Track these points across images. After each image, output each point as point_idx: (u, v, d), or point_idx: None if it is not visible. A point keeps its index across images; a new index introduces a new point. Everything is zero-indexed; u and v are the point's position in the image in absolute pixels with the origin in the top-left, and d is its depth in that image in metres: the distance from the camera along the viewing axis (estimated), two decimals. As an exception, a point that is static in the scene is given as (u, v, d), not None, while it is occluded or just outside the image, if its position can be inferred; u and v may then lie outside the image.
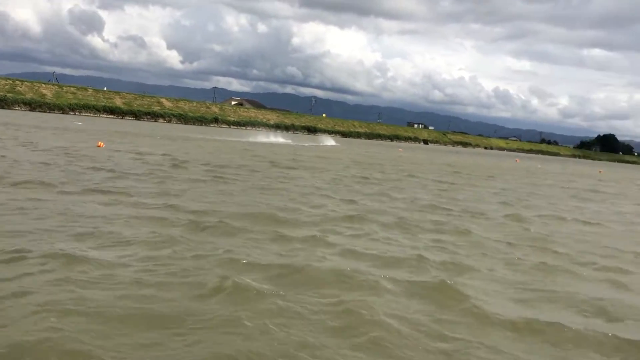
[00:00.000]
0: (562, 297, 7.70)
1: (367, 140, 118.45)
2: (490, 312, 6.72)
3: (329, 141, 70.63)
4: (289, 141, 60.94)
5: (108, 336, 5.24)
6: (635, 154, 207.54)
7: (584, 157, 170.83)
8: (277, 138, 62.24)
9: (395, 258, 8.97)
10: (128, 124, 72.63)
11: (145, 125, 74.37)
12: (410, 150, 78.66)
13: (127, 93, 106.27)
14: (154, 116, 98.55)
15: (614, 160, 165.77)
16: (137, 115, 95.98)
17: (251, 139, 55.00)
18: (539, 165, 68.78)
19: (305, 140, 68.31)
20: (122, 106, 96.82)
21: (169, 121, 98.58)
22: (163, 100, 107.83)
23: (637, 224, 16.92)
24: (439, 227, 12.48)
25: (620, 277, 9.32)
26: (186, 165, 21.12)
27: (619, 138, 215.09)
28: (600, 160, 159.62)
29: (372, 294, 7.06)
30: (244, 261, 7.92)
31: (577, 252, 10.96)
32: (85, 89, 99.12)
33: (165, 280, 6.83)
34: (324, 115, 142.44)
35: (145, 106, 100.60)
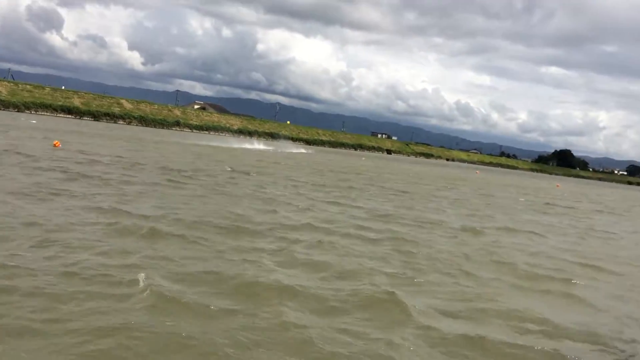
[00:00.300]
0: (506, 311, 7.59)
1: (332, 149, 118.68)
2: (434, 326, 6.55)
3: (298, 149, 72.04)
4: (270, 148, 62.64)
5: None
6: (590, 169, 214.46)
7: (542, 171, 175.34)
8: (260, 145, 64.49)
9: (346, 270, 8.71)
10: (86, 124, 70.66)
11: (104, 126, 72.48)
12: (374, 160, 79.10)
13: (85, 93, 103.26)
14: (114, 117, 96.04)
15: (570, 175, 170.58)
16: (95, 115, 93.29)
17: (215, 143, 54.20)
18: (499, 177, 70.16)
19: (279, 147, 67.96)
20: (81, 106, 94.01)
21: (129, 123, 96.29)
22: (123, 101, 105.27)
23: (590, 237, 17.23)
24: (396, 237, 12.34)
25: (568, 288, 9.34)
26: (141, 168, 20.49)
27: (574, 154, 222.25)
28: (557, 174, 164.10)
29: (318, 309, 6.81)
30: (181, 271, 7.55)
31: (528, 265, 10.97)
32: (42, 87, 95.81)
33: (94, 290, 6.37)
34: (288, 122, 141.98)
35: (105, 107, 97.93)
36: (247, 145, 60.90)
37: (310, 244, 10.37)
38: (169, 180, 17.69)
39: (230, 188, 17.94)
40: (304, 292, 7.25)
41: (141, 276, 6.81)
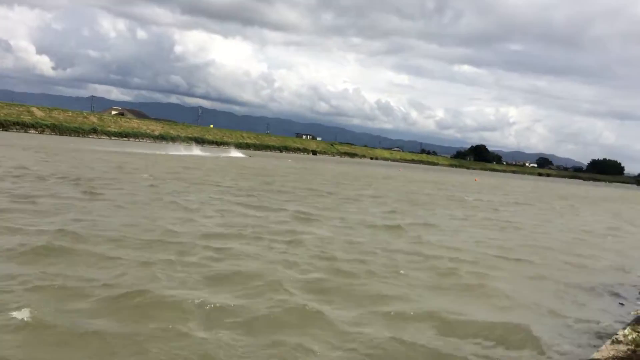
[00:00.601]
0: (426, 310, 7.67)
1: (258, 152, 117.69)
2: (356, 331, 6.49)
3: (235, 153, 73.22)
4: (208, 154, 63.67)
5: None
6: (504, 162, 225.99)
7: (460, 166, 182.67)
8: (182, 150, 64.09)
9: (267, 279, 8.39)
10: (-9, 134, 65.96)
11: (13, 136, 67.99)
12: (300, 161, 79.15)
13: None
14: (24, 126, 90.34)
15: (486, 169, 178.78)
16: (3, 125, 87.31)
17: (136, 150, 52.15)
18: (421, 174, 72.28)
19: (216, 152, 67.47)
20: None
21: (42, 132, 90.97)
22: (34, 109, 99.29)
23: (505, 229, 17.96)
24: (321, 240, 12.24)
25: (486, 281, 9.60)
26: (49, 179, 19.25)
27: (489, 148, 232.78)
28: (474, 169, 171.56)
29: (240, 324, 6.56)
30: (81, 291, 7.03)
31: (449, 260, 11.20)
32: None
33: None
34: (212, 126, 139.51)
35: (14, 115, 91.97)
36: (173, 152, 59.34)
37: (229, 253, 10.05)
38: (83, 192, 16.68)
39: (147, 197, 17.20)
40: (222, 307, 6.94)
41: (27, 302, 6.27)
